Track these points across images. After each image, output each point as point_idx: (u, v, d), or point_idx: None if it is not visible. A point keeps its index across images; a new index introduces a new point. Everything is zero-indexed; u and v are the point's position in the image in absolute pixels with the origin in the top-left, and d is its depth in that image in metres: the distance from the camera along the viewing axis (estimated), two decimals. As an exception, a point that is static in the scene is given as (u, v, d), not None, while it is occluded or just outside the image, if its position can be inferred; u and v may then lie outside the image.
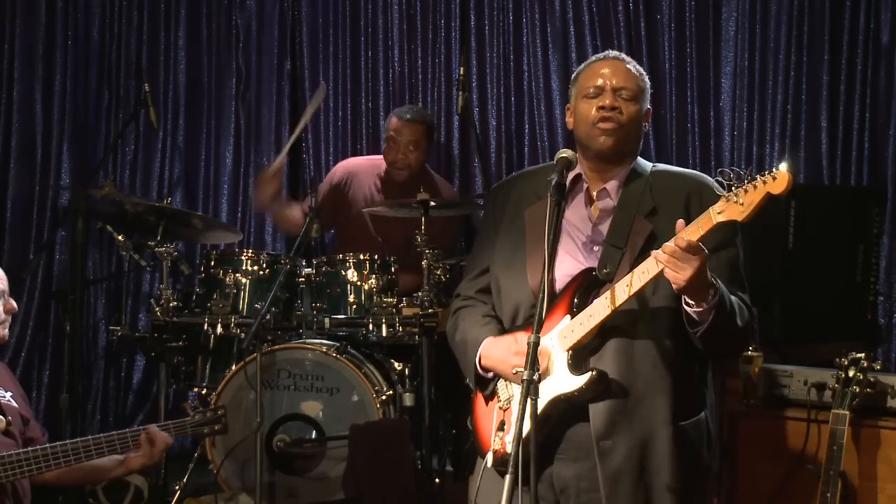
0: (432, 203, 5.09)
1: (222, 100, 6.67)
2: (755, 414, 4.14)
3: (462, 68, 5.97)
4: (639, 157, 3.25)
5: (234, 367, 5.07)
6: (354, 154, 6.40)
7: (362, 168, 5.94)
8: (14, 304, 3.93)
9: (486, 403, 3.24)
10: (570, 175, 3.19)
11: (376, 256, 5.26)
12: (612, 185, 3.18)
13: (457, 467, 5.41)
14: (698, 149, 5.75)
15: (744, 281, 3.14)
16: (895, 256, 5.31)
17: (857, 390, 3.74)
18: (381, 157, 5.91)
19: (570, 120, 3.27)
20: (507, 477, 2.71)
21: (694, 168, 3.24)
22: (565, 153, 3.07)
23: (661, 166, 3.28)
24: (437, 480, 5.06)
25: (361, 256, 5.26)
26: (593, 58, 3.29)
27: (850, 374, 3.77)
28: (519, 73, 6.12)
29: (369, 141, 6.40)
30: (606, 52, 3.31)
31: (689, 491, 3.10)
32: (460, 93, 5.90)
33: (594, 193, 3.20)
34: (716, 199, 2.83)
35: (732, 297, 3.00)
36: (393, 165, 5.76)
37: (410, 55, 6.38)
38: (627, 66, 3.21)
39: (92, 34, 6.61)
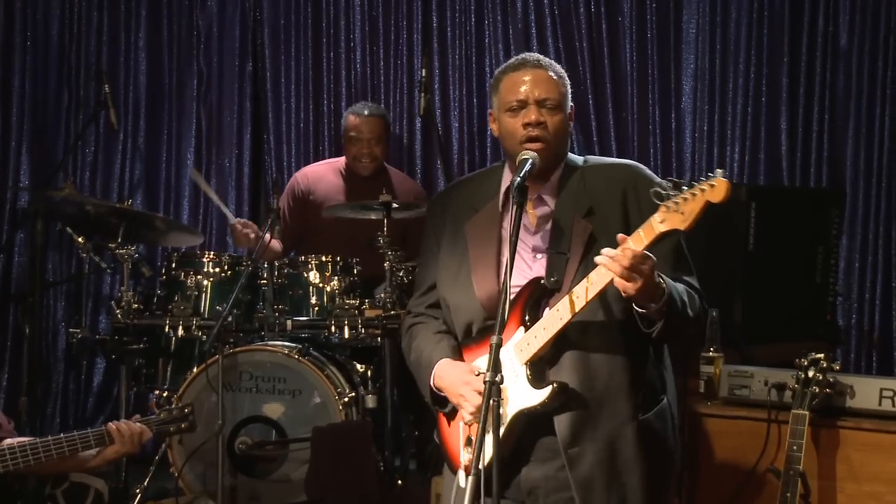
0: (395, 204, 5.09)
1: (183, 101, 6.63)
2: (716, 414, 4.15)
3: (424, 70, 5.95)
4: (568, 154, 3.18)
5: (195, 370, 5.04)
6: (317, 155, 6.38)
7: (321, 171, 5.92)
8: None
9: (448, 423, 3.22)
10: (503, 186, 3.17)
11: (338, 258, 5.25)
12: (546, 191, 3.13)
13: (419, 468, 5.40)
14: (659, 150, 5.77)
15: (689, 264, 3.11)
16: (853, 258, 5.36)
17: (817, 391, 3.76)
18: (336, 159, 5.92)
19: (493, 127, 3.20)
20: (470, 478, 2.70)
21: (655, 171, 3.18)
22: (528, 154, 3.01)
23: (593, 160, 3.21)
24: (399, 482, 5.05)
25: (324, 258, 5.25)
26: (512, 63, 3.18)
27: (810, 374, 3.78)
28: (481, 75, 6.12)
29: (331, 142, 6.38)
30: (524, 56, 3.19)
31: (659, 480, 3.10)
32: (422, 94, 5.89)
33: (530, 201, 3.13)
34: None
35: (680, 286, 2.98)
36: (357, 160, 5.76)
37: (372, 57, 6.37)
38: (548, 72, 3.12)
39: (51, 35, 6.57)
